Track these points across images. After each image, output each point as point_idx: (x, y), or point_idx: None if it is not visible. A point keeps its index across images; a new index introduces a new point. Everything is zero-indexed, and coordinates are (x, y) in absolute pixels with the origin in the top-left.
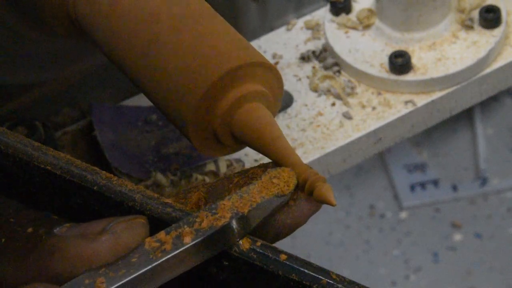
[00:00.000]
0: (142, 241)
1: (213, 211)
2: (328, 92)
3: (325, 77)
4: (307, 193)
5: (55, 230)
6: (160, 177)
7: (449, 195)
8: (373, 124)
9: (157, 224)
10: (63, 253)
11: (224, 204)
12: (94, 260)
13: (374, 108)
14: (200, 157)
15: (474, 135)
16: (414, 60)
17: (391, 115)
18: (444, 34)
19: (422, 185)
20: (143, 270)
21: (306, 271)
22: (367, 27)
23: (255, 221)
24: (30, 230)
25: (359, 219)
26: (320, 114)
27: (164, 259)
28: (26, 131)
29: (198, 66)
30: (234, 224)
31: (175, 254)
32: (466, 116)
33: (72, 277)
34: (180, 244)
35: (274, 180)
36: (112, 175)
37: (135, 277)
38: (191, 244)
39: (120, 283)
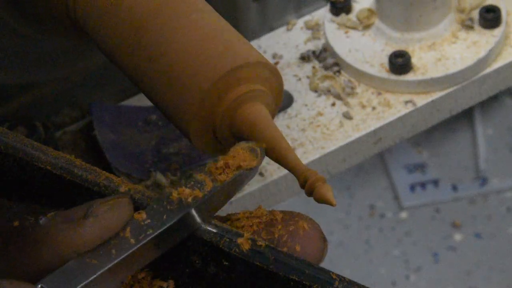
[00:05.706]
0: (128, 220)
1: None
2: (328, 92)
3: (325, 77)
4: (307, 194)
5: (40, 221)
6: (160, 177)
7: (449, 195)
8: (373, 124)
9: None
10: (49, 241)
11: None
12: (81, 245)
13: (374, 108)
14: (200, 157)
15: (474, 135)
16: (414, 60)
17: (391, 115)
18: (444, 34)
19: (422, 185)
20: (130, 251)
21: (306, 271)
22: (367, 27)
23: (220, 201)
24: (16, 223)
25: (359, 219)
26: (320, 114)
27: (146, 240)
28: (26, 131)
29: (198, 66)
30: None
31: (158, 233)
32: (466, 116)
33: (61, 264)
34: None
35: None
36: (112, 175)
37: (124, 257)
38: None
39: (111, 264)
